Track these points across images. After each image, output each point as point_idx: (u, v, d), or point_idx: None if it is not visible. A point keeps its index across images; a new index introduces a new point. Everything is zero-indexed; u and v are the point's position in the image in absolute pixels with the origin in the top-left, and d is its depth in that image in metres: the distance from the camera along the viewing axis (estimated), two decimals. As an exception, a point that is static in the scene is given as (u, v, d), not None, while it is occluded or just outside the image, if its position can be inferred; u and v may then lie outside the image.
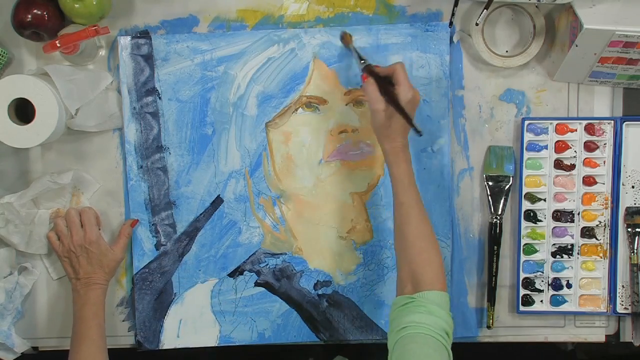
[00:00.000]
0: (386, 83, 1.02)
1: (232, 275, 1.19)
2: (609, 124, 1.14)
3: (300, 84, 1.16)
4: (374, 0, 1.16)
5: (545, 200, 1.15)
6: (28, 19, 1.10)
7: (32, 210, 1.16)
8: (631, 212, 1.15)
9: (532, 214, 1.16)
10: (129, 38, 1.16)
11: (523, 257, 1.16)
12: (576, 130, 1.15)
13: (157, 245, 1.19)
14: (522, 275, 1.16)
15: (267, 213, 1.18)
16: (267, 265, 1.19)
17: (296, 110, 1.17)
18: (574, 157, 1.15)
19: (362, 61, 1.07)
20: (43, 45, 1.09)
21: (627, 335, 1.18)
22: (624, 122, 1.14)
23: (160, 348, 1.19)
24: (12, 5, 1.11)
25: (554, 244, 1.16)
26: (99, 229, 1.15)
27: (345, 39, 1.13)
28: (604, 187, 1.15)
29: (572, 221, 1.16)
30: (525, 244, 1.16)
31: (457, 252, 1.18)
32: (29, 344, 1.20)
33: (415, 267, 0.97)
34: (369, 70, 1.05)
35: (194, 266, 1.19)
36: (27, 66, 1.18)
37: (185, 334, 1.19)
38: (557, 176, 1.16)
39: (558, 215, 1.16)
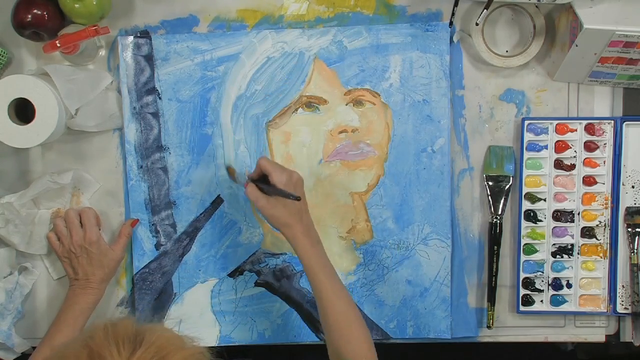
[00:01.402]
0: (266, 180, 1.02)
1: (232, 275, 1.19)
2: (609, 124, 1.14)
3: (300, 84, 1.16)
4: (374, 0, 1.16)
5: (545, 200, 1.15)
6: (28, 19, 1.10)
7: (32, 210, 1.16)
8: (631, 212, 1.15)
9: (532, 214, 1.16)
10: (129, 38, 1.16)
11: (523, 257, 1.16)
12: (576, 130, 1.15)
13: (157, 245, 1.18)
14: (522, 275, 1.16)
15: (267, 213, 1.18)
16: (267, 265, 1.18)
17: (296, 110, 1.17)
18: (574, 157, 1.15)
19: (247, 179, 1.07)
20: (43, 45, 1.09)
21: (627, 335, 1.18)
22: (624, 122, 1.14)
23: (160, 348, 1.19)
24: (12, 5, 1.11)
25: (554, 244, 1.16)
26: (99, 229, 1.15)
27: (229, 172, 1.14)
28: (604, 187, 1.15)
29: (572, 221, 1.16)
30: (525, 244, 1.16)
31: (457, 252, 1.18)
32: (29, 344, 1.20)
33: (337, 346, 1.00)
34: (250, 179, 1.05)
35: (194, 266, 1.19)
36: (27, 66, 1.18)
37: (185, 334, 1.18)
38: (557, 176, 1.16)
39: (558, 215, 1.16)
